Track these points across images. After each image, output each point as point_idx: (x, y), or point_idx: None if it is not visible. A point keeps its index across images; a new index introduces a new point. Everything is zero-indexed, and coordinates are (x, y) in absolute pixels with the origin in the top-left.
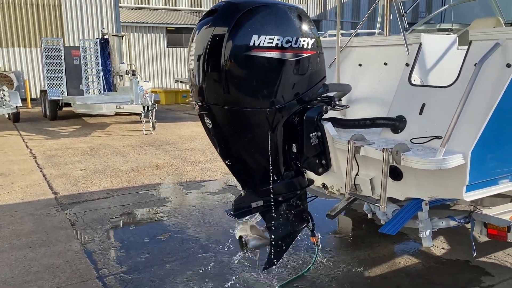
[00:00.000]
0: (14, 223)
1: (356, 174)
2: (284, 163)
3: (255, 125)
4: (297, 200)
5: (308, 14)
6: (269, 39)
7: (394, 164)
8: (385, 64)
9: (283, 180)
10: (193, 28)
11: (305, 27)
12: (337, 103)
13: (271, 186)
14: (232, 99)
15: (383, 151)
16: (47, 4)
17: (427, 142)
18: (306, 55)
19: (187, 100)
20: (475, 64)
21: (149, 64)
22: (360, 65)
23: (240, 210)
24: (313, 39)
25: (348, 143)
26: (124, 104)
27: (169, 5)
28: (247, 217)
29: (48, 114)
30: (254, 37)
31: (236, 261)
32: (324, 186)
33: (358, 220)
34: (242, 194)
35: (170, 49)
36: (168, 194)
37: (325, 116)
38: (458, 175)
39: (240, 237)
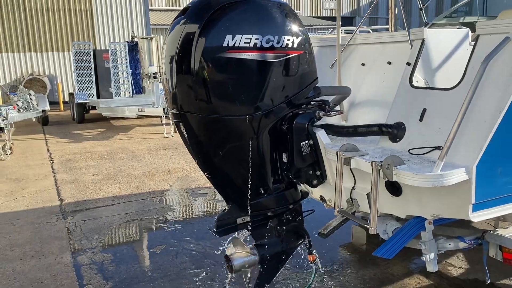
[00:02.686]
0: (13, 232)
1: (353, 188)
2: (273, 174)
3: (234, 134)
4: (290, 215)
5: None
6: (246, 38)
7: (386, 179)
8: (389, 63)
9: (272, 193)
10: None
11: (289, 24)
12: (332, 108)
13: (257, 201)
14: (207, 106)
15: (371, 165)
16: (79, 9)
17: (427, 153)
18: (291, 56)
19: None
20: None
21: None
22: (363, 64)
23: (223, 227)
24: (300, 37)
25: (337, 154)
26: (146, 107)
27: None
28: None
29: (76, 117)
30: (228, 36)
31: (227, 280)
32: (322, 199)
33: None
34: (226, 209)
35: None
36: (173, 201)
37: (320, 122)
38: (463, 192)
39: (226, 256)
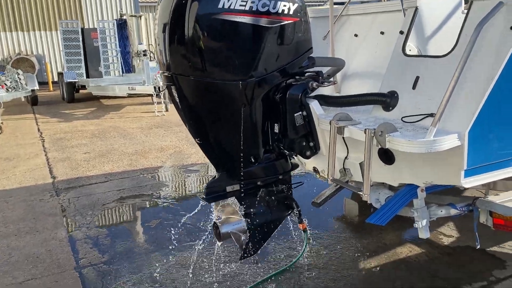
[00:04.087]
0: (6, 209)
1: (346, 158)
2: (264, 144)
3: (227, 99)
4: (279, 185)
5: None
6: (242, 1)
7: (379, 146)
8: (382, 33)
9: (262, 162)
10: None
11: None
12: (326, 78)
13: (247, 169)
14: (200, 69)
15: (365, 132)
16: None
17: (419, 120)
18: (286, 22)
19: None
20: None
21: None
22: (356, 35)
23: (213, 194)
24: (296, 4)
25: (330, 124)
26: (137, 85)
27: None
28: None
29: (65, 96)
30: None
31: (222, 251)
32: (315, 170)
33: (365, 204)
34: (216, 177)
35: None
36: (166, 178)
37: (313, 93)
38: (455, 159)
39: (214, 223)
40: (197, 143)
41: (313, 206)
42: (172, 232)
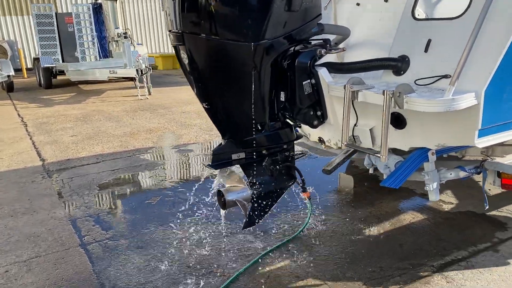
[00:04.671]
0: None
1: (355, 125)
2: (271, 112)
3: (237, 61)
4: (284, 155)
5: None
6: None
7: (396, 109)
8: (386, 1)
9: (268, 130)
10: None
11: None
12: (333, 46)
13: (253, 137)
14: (212, 28)
15: (383, 94)
16: None
17: (433, 82)
18: None
19: None
20: None
21: (145, 28)
22: (358, 4)
23: (219, 161)
24: None
25: (345, 88)
26: (118, 68)
27: None
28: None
29: (42, 82)
30: None
31: (225, 223)
32: (320, 140)
33: (360, 178)
34: (222, 144)
35: None
36: (160, 157)
37: (321, 61)
38: (469, 118)
39: (219, 191)
40: (204, 107)
41: (324, 173)
42: (174, 208)
